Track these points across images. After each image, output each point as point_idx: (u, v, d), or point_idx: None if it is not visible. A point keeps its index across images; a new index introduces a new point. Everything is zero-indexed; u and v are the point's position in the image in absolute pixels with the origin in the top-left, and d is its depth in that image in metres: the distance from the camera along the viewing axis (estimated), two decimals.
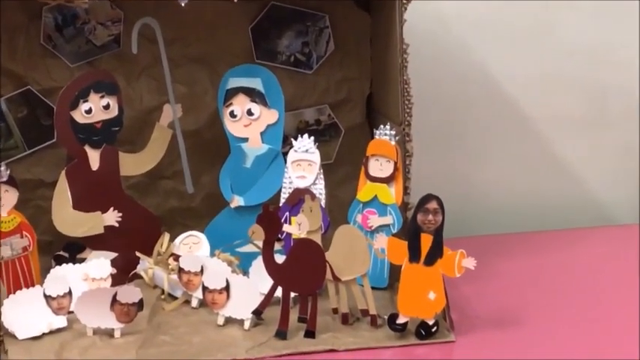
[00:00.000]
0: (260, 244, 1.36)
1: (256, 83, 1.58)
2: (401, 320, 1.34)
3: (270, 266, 1.34)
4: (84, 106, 1.52)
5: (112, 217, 1.56)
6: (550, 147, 1.97)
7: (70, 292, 1.40)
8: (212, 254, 1.52)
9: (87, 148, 1.54)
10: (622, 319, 1.40)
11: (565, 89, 1.94)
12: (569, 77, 1.94)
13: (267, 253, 1.33)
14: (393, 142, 1.49)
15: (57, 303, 1.38)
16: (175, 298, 1.48)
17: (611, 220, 1.98)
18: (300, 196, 1.49)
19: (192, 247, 1.54)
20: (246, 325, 1.37)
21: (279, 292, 1.35)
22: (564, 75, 1.93)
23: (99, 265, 1.45)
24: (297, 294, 1.36)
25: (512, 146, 1.95)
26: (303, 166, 1.53)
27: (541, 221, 1.94)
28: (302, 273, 1.33)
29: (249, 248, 1.56)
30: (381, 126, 1.50)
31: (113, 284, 1.43)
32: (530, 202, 1.97)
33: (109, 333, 1.36)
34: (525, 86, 1.92)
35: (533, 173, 1.97)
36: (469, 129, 1.93)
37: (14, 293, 1.40)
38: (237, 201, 1.59)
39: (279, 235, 1.46)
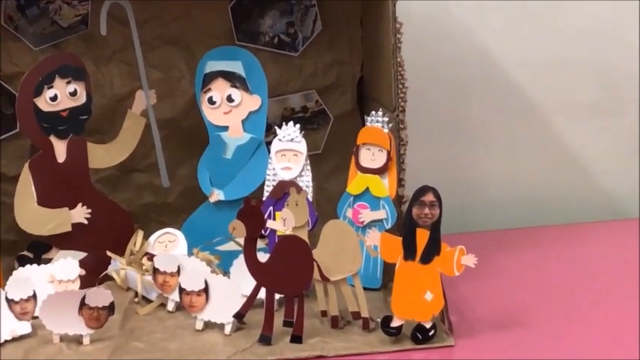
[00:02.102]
0: (242, 241, 1.35)
1: (237, 67, 1.58)
2: (395, 323, 1.33)
3: (253, 265, 1.33)
4: (49, 93, 1.52)
5: (80, 214, 1.56)
6: (556, 136, 1.98)
7: (34, 296, 1.39)
8: (190, 253, 1.52)
9: (52, 139, 1.54)
10: (631, 322, 1.40)
11: (572, 73, 1.95)
12: (577, 61, 1.94)
13: (250, 251, 1.33)
14: (385, 130, 1.49)
15: (20, 307, 1.38)
16: (150, 301, 1.47)
17: (621, 214, 1.99)
18: (285, 189, 1.48)
19: (168, 246, 1.54)
20: (227, 329, 1.37)
21: (262, 294, 1.34)
22: (572, 58, 1.94)
23: (66, 265, 1.45)
24: (282, 295, 1.36)
25: (515, 135, 1.96)
26: (289, 156, 1.52)
27: (546, 215, 1.94)
28: (287, 272, 1.33)
29: (230, 246, 1.56)
30: (373, 112, 1.50)
31: (82, 286, 1.43)
32: (534, 195, 1.98)
33: (77, 340, 1.35)
34: (530, 70, 1.93)
35: (537, 164, 1.98)
36: (469, 116, 1.93)
37: None
38: (217, 195, 1.59)
39: (263, 232, 1.46)
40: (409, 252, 1.32)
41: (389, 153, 1.48)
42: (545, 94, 1.95)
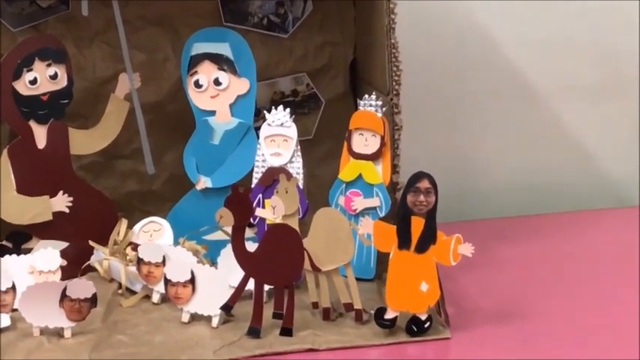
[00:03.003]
0: (229, 230, 1.35)
1: (224, 49, 1.57)
2: (389, 315, 1.33)
3: (241, 255, 1.33)
4: (28, 76, 1.51)
5: (61, 202, 1.55)
6: (558, 119, 1.97)
7: (13, 287, 1.38)
8: (176, 243, 1.52)
9: (32, 124, 1.53)
10: (633, 313, 1.40)
11: (574, 54, 1.94)
12: (578, 42, 1.94)
13: (238, 241, 1.32)
14: (379, 114, 1.49)
15: None
16: (134, 293, 1.47)
17: (625, 201, 1.99)
18: (274, 176, 1.48)
19: (153, 235, 1.54)
20: (215, 322, 1.36)
21: (251, 285, 1.34)
22: (573, 39, 1.94)
23: (47, 256, 1.44)
24: (271, 286, 1.36)
25: (514, 119, 1.96)
26: (278, 142, 1.52)
27: (546, 203, 1.94)
28: (277, 263, 1.33)
29: (217, 236, 1.55)
30: (366, 96, 1.50)
31: (63, 278, 1.43)
32: (534, 181, 1.98)
33: (58, 333, 1.35)
34: (529, 51, 1.92)
35: (538, 149, 1.98)
36: (466, 99, 1.93)
37: None
38: (204, 182, 1.59)
39: (251, 220, 1.47)
40: (404, 241, 1.32)
41: (382, 138, 1.48)
42: (546, 76, 1.94)
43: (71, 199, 1.55)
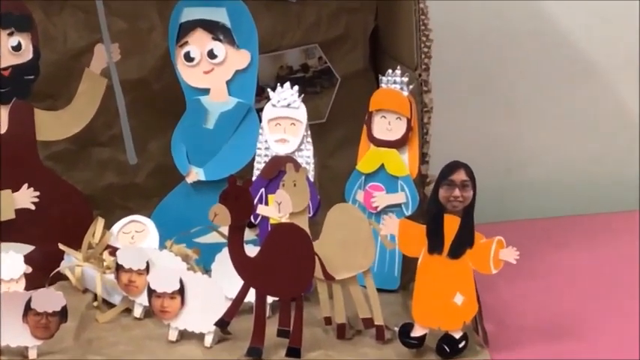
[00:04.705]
0: (226, 231, 1.35)
1: (220, 15, 1.57)
2: (417, 333, 1.33)
3: (240, 261, 1.33)
4: None
5: (26, 198, 1.55)
6: (620, 101, 1.98)
7: None
8: (162, 246, 1.53)
9: None
10: None
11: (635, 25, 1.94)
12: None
13: (236, 244, 1.32)
14: (405, 93, 1.49)
15: None
16: (112, 306, 1.48)
17: None
18: (279, 167, 1.49)
19: (135, 237, 1.55)
20: (208, 341, 1.37)
21: (251, 297, 1.34)
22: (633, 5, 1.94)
23: (8, 261, 1.45)
24: (275, 298, 1.36)
25: (566, 101, 1.97)
26: (284, 125, 1.52)
27: (606, 201, 1.95)
28: (282, 270, 1.32)
29: (211, 238, 1.56)
30: (390, 71, 1.49)
31: (27, 287, 1.43)
32: (589, 176, 1.99)
33: (22, 353, 1.35)
34: (585, 20, 1.93)
35: (595, 137, 1.99)
36: (509, 76, 1.94)
37: None
38: (196, 174, 1.59)
39: (252, 220, 1.47)
40: (435, 244, 1.32)
41: (409, 121, 1.48)
42: (606, 50, 1.95)
43: (37, 193, 1.55)
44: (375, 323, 1.36)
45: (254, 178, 1.53)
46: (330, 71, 1.76)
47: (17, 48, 1.53)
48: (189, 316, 1.38)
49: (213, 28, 1.57)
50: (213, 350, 1.36)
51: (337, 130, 1.75)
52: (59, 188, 1.59)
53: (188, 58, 1.58)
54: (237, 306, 1.34)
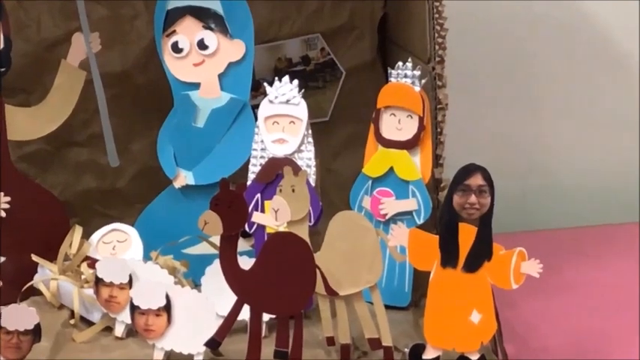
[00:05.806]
0: (217, 241, 1.34)
1: (212, 1, 1.57)
2: (429, 354, 1.34)
3: (233, 274, 1.33)
4: None
5: None
6: None
7: None
8: (146, 257, 1.53)
9: None
10: None
11: None
12: None
13: (228, 256, 1.32)
14: (417, 89, 1.49)
15: None
16: (91, 324, 1.48)
17: None
18: (277, 170, 1.48)
19: (117, 247, 1.55)
20: None
21: (245, 314, 1.34)
22: None
23: None
24: (272, 316, 1.36)
25: (596, 99, 1.97)
26: (283, 124, 1.52)
27: (635, 210, 1.95)
28: (280, 284, 1.32)
29: (201, 249, 1.56)
30: (400, 64, 1.49)
31: None
32: (621, 183, 2.00)
33: None
34: (615, 8, 1.93)
35: (628, 139, 1.99)
36: (533, 70, 1.95)
37: None
38: (184, 178, 1.60)
39: (246, 228, 1.47)
40: (449, 256, 1.32)
41: (421, 120, 1.48)
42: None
43: (8, 199, 1.54)
44: (383, 344, 1.36)
45: (249, 183, 1.53)
46: (334, 64, 1.76)
47: None
48: (177, 335, 1.38)
49: (203, 15, 1.57)
50: None
51: (341, 130, 1.76)
52: (32, 193, 1.59)
53: (176, 48, 1.58)
54: (229, 324, 1.34)
